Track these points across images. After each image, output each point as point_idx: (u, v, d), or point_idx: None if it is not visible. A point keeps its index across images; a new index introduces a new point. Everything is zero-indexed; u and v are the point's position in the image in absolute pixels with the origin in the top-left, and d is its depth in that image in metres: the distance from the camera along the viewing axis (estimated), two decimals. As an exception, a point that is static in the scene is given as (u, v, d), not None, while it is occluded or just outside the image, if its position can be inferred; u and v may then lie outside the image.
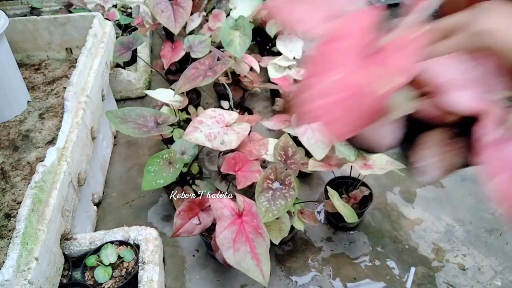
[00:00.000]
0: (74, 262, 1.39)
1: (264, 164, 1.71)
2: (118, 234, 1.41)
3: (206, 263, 1.59)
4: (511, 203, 0.43)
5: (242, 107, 2.13)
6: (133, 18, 2.54)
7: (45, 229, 1.18)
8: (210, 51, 1.97)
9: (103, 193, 1.88)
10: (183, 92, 1.76)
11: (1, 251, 1.34)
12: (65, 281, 1.30)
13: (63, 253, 1.34)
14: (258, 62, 2.19)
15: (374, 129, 0.54)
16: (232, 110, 1.93)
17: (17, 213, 1.15)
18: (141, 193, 1.88)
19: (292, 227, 1.51)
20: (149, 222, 1.76)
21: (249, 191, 1.57)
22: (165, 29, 2.67)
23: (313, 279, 1.52)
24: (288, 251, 1.62)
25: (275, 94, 2.25)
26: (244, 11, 2.15)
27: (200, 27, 2.31)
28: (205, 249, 1.63)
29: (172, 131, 1.76)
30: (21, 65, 2.16)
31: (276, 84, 1.95)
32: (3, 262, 1.07)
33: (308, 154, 1.68)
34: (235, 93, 2.06)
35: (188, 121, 1.96)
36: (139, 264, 1.32)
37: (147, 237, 1.39)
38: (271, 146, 1.64)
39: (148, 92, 1.75)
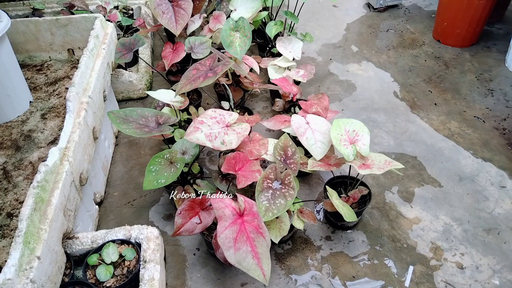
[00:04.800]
0: (76, 261, 1.41)
1: (264, 164, 1.72)
2: (120, 233, 1.43)
3: (206, 262, 1.61)
4: None
5: (242, 108, 2.14)
6: (134, 19, 2.55)
7: (47, 228, 1.19)
8: (211, 52, 1.98)
9: (105, 192, 1.90)
10: (184, 93, 1.77)
11: (3, 250, 1.36)
12: (67, 279, 1.31)
13: (65, 252, 1.35)
14: (258, 63, 2.20)
15: None
16: (233, 110, 1.95)
17: (19, 212, 1.16)
18: (143, 192, 1.89)
19: (292, 226, 1.53)
20: (150, 221, 1.77)
21: (249, 191, 1.59)
22: (166, 30, 2.69)
23: (313, 277, 1.54)
24: (287, 250, 1.63)
25: (275, 94, 2.27)
26: (244, 12, 2.17)
27: (201, 29, 2.33)
28: (206, 248, 1.65)
29: (173, 131, 1.77)
30: (23, 66, 2.18)
31: (276, 85, 1.97)
32: (5, 261, 1.08)
33: (308, 154, 1.70)
34: (235, 93, 2.07)
35: (189, 121, 1.98)
36: (141, 263, 1.33)
37: (149, 236, 1.40)
38: (271, 146, 1.66)
39: (150, 92, 1.77)
